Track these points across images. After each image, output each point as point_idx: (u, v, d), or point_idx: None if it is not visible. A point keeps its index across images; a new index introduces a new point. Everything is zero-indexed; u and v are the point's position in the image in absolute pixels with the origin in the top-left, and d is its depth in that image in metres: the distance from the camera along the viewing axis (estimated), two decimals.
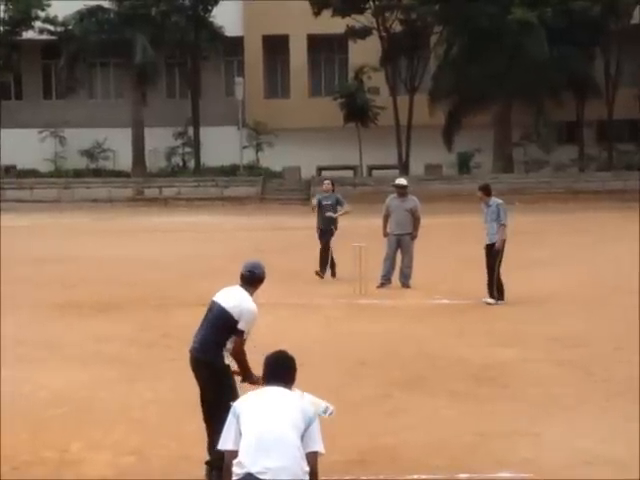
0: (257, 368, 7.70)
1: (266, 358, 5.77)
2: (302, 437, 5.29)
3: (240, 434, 5.33)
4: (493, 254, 15.23)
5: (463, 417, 9.13)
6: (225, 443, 5.41)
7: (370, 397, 9.83)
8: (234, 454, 5.31)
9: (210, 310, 7.64)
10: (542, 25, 41.03)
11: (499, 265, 15.21)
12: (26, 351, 12.15)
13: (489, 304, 15.08)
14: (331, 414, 6.84)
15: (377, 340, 12.75)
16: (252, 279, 7.65)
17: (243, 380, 7.55)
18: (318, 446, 5.36)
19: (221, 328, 7.45)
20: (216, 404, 7.25)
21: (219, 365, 7.44)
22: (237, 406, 5.47)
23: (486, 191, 15.61)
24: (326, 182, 19.54)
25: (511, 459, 7.95)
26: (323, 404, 6.84)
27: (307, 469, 5.28)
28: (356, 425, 8.83)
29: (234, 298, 7.53)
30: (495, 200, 15.53)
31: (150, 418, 9.18)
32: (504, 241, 15.26)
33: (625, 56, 46.02)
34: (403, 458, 8.01)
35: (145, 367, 11.27)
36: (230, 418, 5.44)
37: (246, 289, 7.62)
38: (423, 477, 7.62)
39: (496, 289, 15.24)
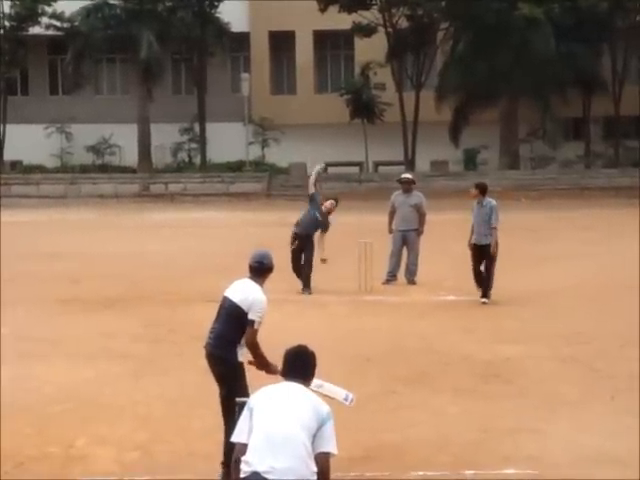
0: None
1: (286, 352, 5.73)
2: (314, 436, 5.23)
3: (252, 429, 5.31)
4: (489, 257, 14.97)
5: (468, 414, 9.13)
6: (238, 436, 5.38)
7: (375, 393, 9.83)
8: (245, 448, 5.28)
9: (222, 306, 7.65)
10: (549, 21, 40.91)
11: (492, 267, 15.04)
12: (31, 347, 12.17)
13: (485, 303, 14.97)
14: (352, 402, 6.83)
15: (382, 336, 12.76)
16: (261, 270, 7.65)
17: (260, 369, 7.53)
18: (330, 447, 5.28)
19: (234, 324, 7.46)
20: (227, 401, 7.27)
21: (232, 361, 7.46)
22: (252, 400, 5.45)
23: (483, 190, 15.33)
24: (330, 202, 16.75)
25: (516, 456, 7.95)
26: (343, 392, 6.84)
27: (315, 469, 5.22)
28: (360, 422, 8.83)
29: (242, 291, 7.53)
30: (489, 201, 15.22)
31: (155, 414, 9.19)
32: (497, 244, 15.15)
33: (632, 53, 45.92)
34: (407, 455, 8.01)
35: (151, 363, 11.29)
36: (245, 411, 5.42)
37: (255, 280, 7.61)
38: (428, 474, 7.62)
39: (479, 286, 15.04)
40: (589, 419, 8.94)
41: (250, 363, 7.56)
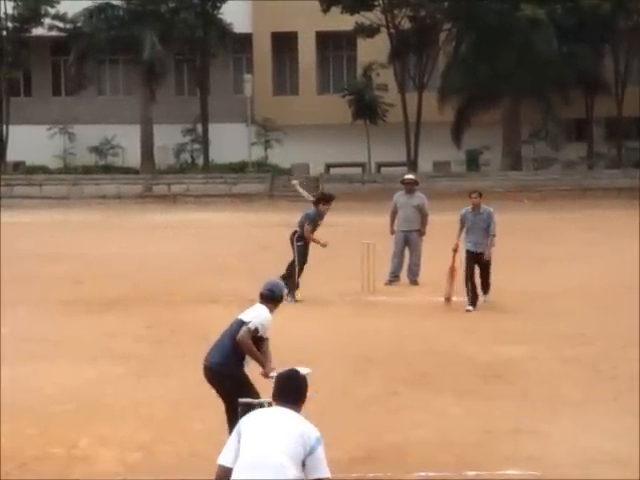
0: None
1: (277, 376, 5.73)
2: (304, 463, 5.18)
3: (239, 453, 5.26)
4: (483, 264, 14.82)
5: (469, 415, 9.14)
6: (224, 458, 5.33)
7: (376, 394, 9.85)
8: (228, 472, 5.24)
9: (230, 325, 7.87)
10: (551, 22, 40.89)
11: (488, 272, 14.89)
12: (34, 347, 12.19)
13: (469, 311, 14.65)
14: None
15: (384, 337, 12.77)
16: (272, 298, 7.90)
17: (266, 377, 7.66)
18: (323, 472, 5.24)
19: (230, 334, 7.69)
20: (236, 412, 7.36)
21: (238, 374, 7.62)
22: (242, 424, 5.40)
23: (481, 197, 15.11)
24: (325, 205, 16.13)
25: (518, 456, 7.96)
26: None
27: None
28: (362, 422, 8.85)
29: (251, 313, 7.80)
30: (486, 208, 14.99)
31: (158, 415, 9.21)
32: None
33: (634, 53, 45.84)
34: (409, 455, 8.02)
35: (153, 364, 11.30)
36: (233, 435, 5.38)
37: (266, 306, 7.86)
38: (429, 474, 7.64)
39: (471, 293, 14.77)
40: (591, 420, 8.95)
41: (262, 374, 7.69)
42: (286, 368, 5.75)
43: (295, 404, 5.46)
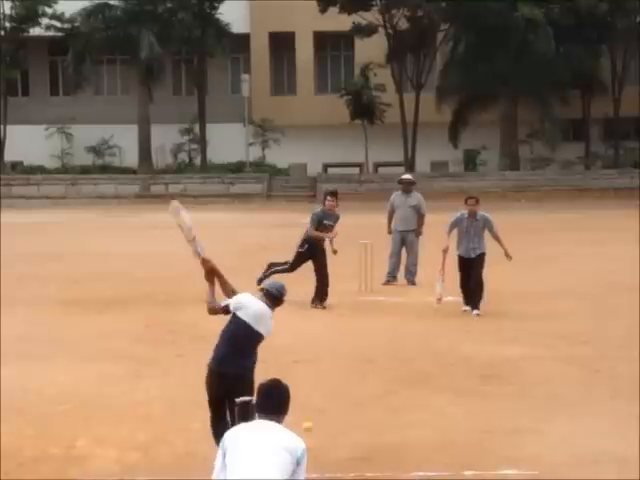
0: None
1: (259, 386, 5.55)
2: (290, 476, 5.16)
3: (225, 470, 5.22)
4: (478, 268, 14.41)
5: (468, 414, 9.15)
6: (215, 474, 5.30)
7: (375, 394, 9.85)
8: None
9: (237, 326, 7.61)
10: (549, 22, 40.98)
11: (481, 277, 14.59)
12: (32, 347, 12.18)
13: (479, 315, 14.29)
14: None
15: (382, 337, 12.78)
16: (277, 298, 7.76)
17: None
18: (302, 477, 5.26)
19: (248, 344, 7.55)
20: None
21: (248, 377, 7.51)
22: (226, 440, 5.31)
23: (478, 204, 14.71)
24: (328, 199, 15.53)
25: (516, 456, 7.96)
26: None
27: None
28: (361, 422, 8.85)
29: (260, 317, 7.60)
30: (482, 215, 14.58)
31: (156, 414, 9.21)
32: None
33: (631, 54, 45.95)
34: (408, 455, 8.02)
35: (151, 363, 11.29)
36: (219, 451, 5.31)
37: (269, 306, 7.70)
38: (428, 474, 7.64)
39: (465, 295, 14.57)
40: (589, 420, 8.95)
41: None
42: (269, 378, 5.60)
43: (278, 415, 5.37)
